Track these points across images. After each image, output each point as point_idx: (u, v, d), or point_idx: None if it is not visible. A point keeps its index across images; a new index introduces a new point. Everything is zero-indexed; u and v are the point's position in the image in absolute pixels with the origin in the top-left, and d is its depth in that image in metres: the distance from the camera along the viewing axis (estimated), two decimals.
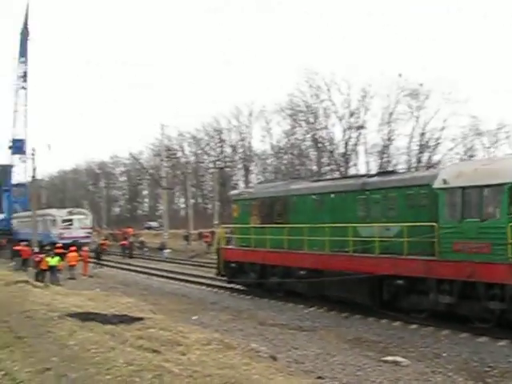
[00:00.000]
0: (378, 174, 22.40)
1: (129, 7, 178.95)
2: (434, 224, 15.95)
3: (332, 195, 20.72)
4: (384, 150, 69.01)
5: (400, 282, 17.14)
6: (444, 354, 13.72)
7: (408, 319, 17.08)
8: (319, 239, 20.08)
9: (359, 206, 19.44)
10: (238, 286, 25.76)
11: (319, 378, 11.39)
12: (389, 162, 68.28)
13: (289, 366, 11.65)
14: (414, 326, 16.54)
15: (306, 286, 21.07)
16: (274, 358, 11.15)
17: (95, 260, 40.56)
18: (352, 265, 18.77)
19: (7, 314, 14.48)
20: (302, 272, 21.18)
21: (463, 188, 15.31)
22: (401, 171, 26.74)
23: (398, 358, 13.13)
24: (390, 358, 13.21)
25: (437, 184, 16.06)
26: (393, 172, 22.95)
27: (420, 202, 17.22)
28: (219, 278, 26.93)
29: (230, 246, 26.33)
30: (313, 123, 72.47)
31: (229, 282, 26.11)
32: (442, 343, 14.77)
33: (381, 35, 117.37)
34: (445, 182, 15.82)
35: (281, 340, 15.57)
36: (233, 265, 25.31)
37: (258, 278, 23.88)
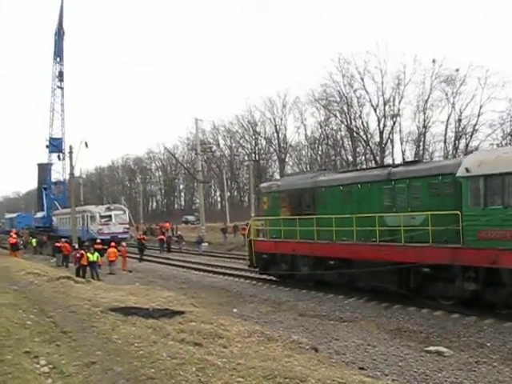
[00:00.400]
0: (404, 163, 22.50)
1: (153, 6, 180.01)
2: (457, 212, 16.14)
3: (359, 186, 20.94)
4: (420, 138, 68.16)
5: (426, 269, 17.38)
6: (488, 344, 13.49)
7: (447, 308, 16.91)
8: (347, 229, 20.29)
9: (385, 195, 19.73)
10: (272, 278, 26.02)
11: (361, 368, 11.32)
12: (425, 149, 67.45)
13: (330, 358, 11.60)
14: (456, 316, 16.26)
15: (335, 276, 21.44)
16: (316, 350, 11.13)
17: (139, 255, 41.60)
18: (379, 254, 19.04)
19: (52, 309, 14.78)
20: (331, 262, 21.53)
21: (485, 176, 15.48)
22: (426, 160, 25.98)
23: (441, 348, 12.96)
24: (432, 348, 13.04)
25: (460, 172, 16.24)
26: (418, 161, 22.98)
27: (444, 191, 17.42)
28: (251, 269, 27.45)
29: (260, 238, 26.80)
30: (347, 113, 71.91)
31: (260, 273, 26.60)
32: (486, 332, 14.51)
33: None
34: (467, 170, 15.99)
35: (321, 331, 15.51)
36: (264, 256, 25.67)
37: (288, 269, 24.24)
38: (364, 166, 62.92)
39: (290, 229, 23.67)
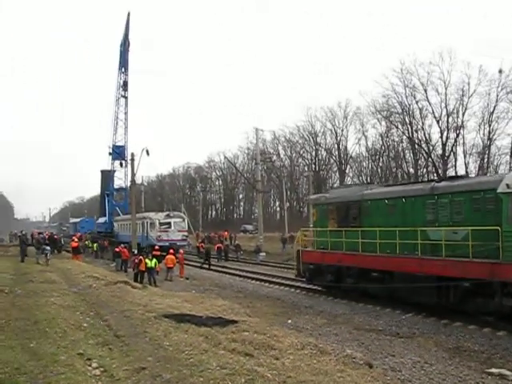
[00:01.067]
0: (448, 178, 22.49)
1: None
2: (497, 228, 16.17)
3: (403, 199, 21.29)
4: (484, 151, 66.19)
5: (466, 284, 17.34)
6: None
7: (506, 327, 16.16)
8: (390, 242, 20.56)
9: (428, 210, 19.93)
10: (318, 288, 26.35)
11: None
12: (489, 163, 65.44)
13: (385, 374, 11.19)
14: None
15: (377, 288, 21.59)
16: (370, 365, 10.76)
17: (205, 262, 42.62)
18: (420, 267, 19.22)
19: (108, 312, 14.99)
20: (374, 274, 21.83)
21: None
22: (470, 176, 26.72)
23: (504, 371, 12.30)
24: (494, 371, 12.40)
25: (500, 188, 16.33)
26: (461, 177, 23.17)
27: (486, 206, 17.52)
28: (298, 278, 27.82)
29: (308, 248, 27.11)
30: (409, 124, 70.59)
31: (308, 283, 26.88)
32: None
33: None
34: (508, 186, 16.12)
35: (377, 346, 15.08)
36: (311, 266, 26.15)
37: (333, 280, 24.63)
38: (425, 179, 61.74)
39: (336, 240, 24.18)
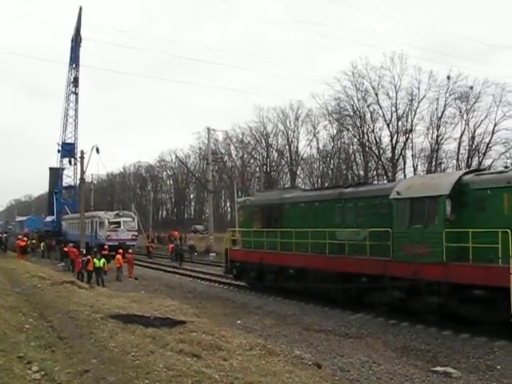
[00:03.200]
0: (353, 185, 24.54)
1: None
2: (389, 229, 18.32)
3: (316, 203, 23.57)
4: (432, 155, 67.67)
5: (364, 279, 19.53)
6: (498, 367, 13.04)
7: (459, 328, 16.49)
8: (304, 242, 22.51)
9: (336, 213, 22.10)
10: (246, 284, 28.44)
11: None
12: (437, 166, 66.92)
13: (334, 375, 11.19)
14: (466, 336, 15.84)
15: (294, 283, 23.42)
16: (319, 366, 10.75)
17: (179, 261, 43.54)
18: (328, 265, 21.27)
19: (52, 313, 14.55)
20: (290, 271, 23.83)
21: (411, 199, 17.80)
22: (371, 183, 29.92)
23: (449, 369, 12.55)
24: (440, 369, 12.62)
25: (392, 195, 18.49)
26: (365, 183, 26.42)
27: (382, 211, 19.51)
28: (226, 275, 30.15)
29: (235, 247, 29.20)
30: (360, 127, 71.56)
31: (235, 280, 29.08)
32: (496, 355, 14.03)
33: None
34: (398, 193, 18.31)
35: (326, 347, 15.12)
36: (237, 264, 28.17)
37: (256, 276, 26.69)
38: (376, 182, 62.67)
39: (258, 240, 26.18)
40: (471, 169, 24.29)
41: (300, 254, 22.99)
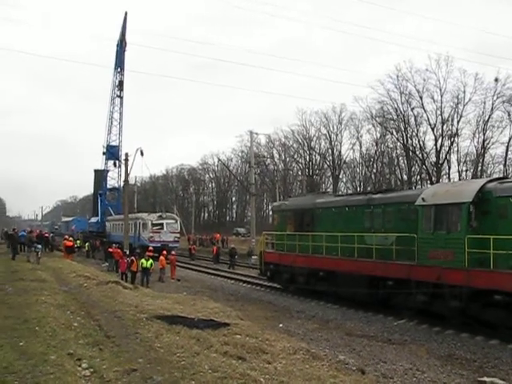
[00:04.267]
0: (382, 191, 25.23)
1: None
2: (414, 235, 18.90)
3: (346, 208, 24.28)
4: (478, 159, 66.36)
5: (390, 282, 20.02)
6: None
7: (505, 338, 16.15)
8: (334, 245, 23.29)
9: (365, 218, 22.79)
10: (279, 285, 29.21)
11: None
12: (483, 171, 65.61)
13: (377, 381, 11.11)
14: None
15: (324, 286, 24.26)
16: (363, 372, 10.69)
17: (229, 262, 44.58)
18: (356, 268, 21.92)
19: (98, 312, 14.85)
20: (321, 273, 24.48)
21: (436, 205, 18.26)
22: (399, 189, 30.65)
23: (497, 380, 12.15)
24: (487, 379, 12.24)
25: (417, 202, 18.98)
26: (393, 190, 27.74)
27: (409, 216, 20.03)
28: (261, 277, 31.06)
29: (269, 250, 30.03)
30: (404, 131, 70.69)
31: (269, 281, 29.91)
32: None
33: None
34: (423, 200, 18.78)
35: (368, 352, 14.95)
36: (271, 266, 29.01)
37: (289, 278, 27.41)
38: (419, 187, 61.81)
39: (291, 243, 26.94)
40: (495, 177, 24.26)
41: (330, 257, 23.70)
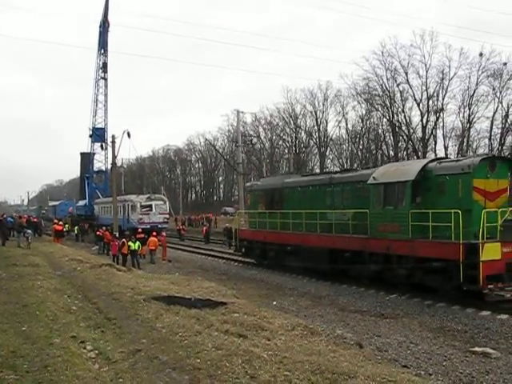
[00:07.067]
0: (342, 171, 27.86)
1: None
2: (367, 211, 20.85)
3: (310, 187, 26.10)
4: (463, 134, 66.78)
5: (348, 254, 22.03)
6: None
7: (495, 309, 16.56)
8: (300, 222, 25.19)
9: (327, 196, 24.61)
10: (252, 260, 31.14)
11: (404, 366, 11.02)
12: (469, 146, 66.10)
13: (374, 354, 11.36)
14: (504, 317, 15.77)
15: (291, 259, 26.20)
16: (361, 346, 10.94)
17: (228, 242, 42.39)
18: (318, 241, 23.95)
19: (96, 295, 14.99)
20: (288, 248, 26.50)
21: (384, 184, 20.16)
22: (356, 169, 31.62)
23: (488, 350, 12.46)
24: (478, 349, 12.55)
25: (369, 180, 20.92)
26: (351, 170, 30.17)
27: (364, 194, 21.77)
28: (236, 253, 32.64)
29: (243, 228, 32.03)
30: (389, 107, 70.87)
31: (243, 257, 31.98)
32: None
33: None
34: (374, 178, 20.68)
35: (362, 327, 15.21)
36: (245, 243, 31.26)
37: (261, 253, 29.70)
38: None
39: (262, 221, 29.19)
40: (436, 157, 27.42)
41: (296, 232, 25.63)
